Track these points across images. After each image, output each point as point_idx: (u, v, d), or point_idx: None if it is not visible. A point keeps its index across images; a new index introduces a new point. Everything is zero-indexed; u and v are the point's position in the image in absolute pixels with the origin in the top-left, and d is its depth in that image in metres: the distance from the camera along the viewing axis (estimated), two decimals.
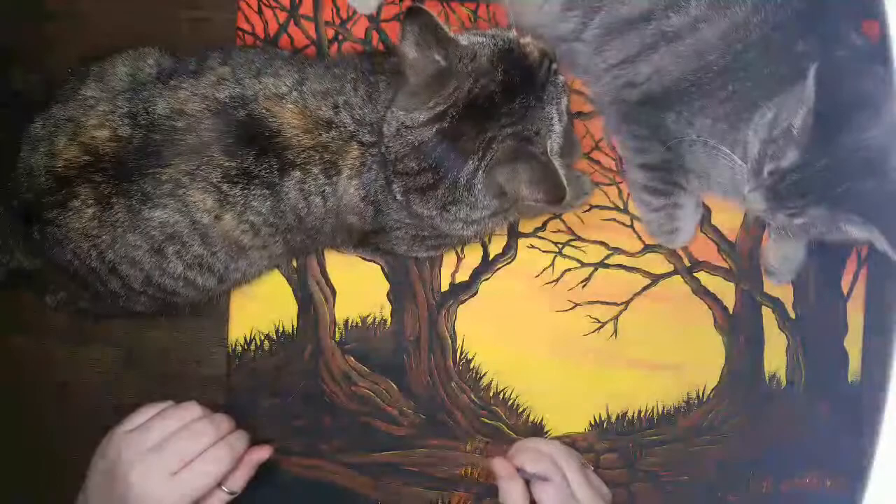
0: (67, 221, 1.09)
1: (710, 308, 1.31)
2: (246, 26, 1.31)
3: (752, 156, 1.08)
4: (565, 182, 1.02)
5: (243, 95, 1.08)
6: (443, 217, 1.09)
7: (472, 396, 1.32)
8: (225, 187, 1.07)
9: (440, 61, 1.03)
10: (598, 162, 1.31)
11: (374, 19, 1.31)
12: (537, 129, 1.04)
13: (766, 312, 1.31)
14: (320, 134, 1.08)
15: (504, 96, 1.03)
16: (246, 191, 1.08)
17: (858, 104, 1.03)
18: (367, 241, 1.19)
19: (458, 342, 1.32)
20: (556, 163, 1.04)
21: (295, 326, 1.32)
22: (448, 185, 1.05)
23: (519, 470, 1.20)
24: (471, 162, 1.04)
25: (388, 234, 1.16)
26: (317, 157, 1.08)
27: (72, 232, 1.09)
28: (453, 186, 1.05)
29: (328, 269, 1.31)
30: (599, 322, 1.31)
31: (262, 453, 1.21)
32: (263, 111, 1.08)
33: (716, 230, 1.31)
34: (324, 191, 1.09)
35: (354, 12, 1.30)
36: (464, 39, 1.04)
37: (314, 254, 1.29)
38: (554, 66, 1.08)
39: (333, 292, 1.31)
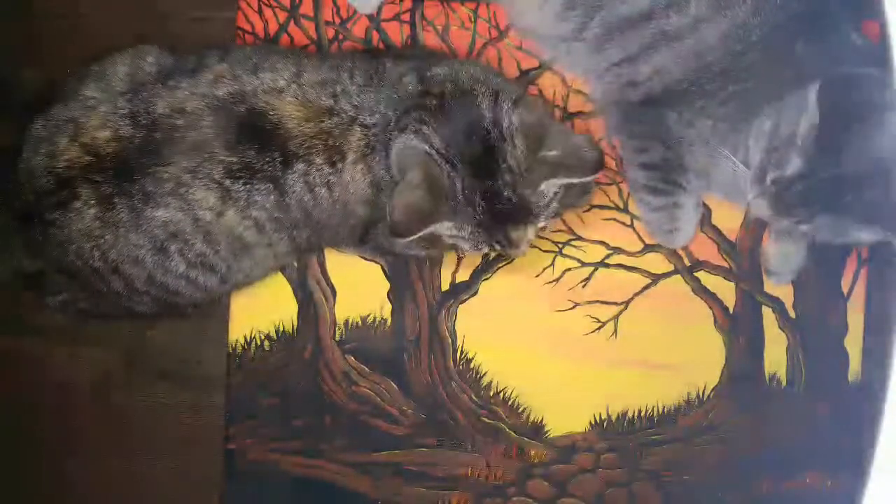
0: (69, 222, 1.09)
1: (711, 308, 1.31)
2: (246, 26, 1.31)
3: (755, 163, 1.08)
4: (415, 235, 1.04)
5: (242, 91, 1.09)
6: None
7: (473, 396, 1.32)
8: (227, 183, 1.08)
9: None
10: None
11: (374, 19, 1.31)
12: (456, 214, 1.06)
13: (767, 312, 1.31)
14: (322, 121, 1.09)
15: (490, 194, 1.05)
16: (248, 185, 1.08)
17: (862, 114, 1.03)
18: (369, 235, 1.19)
19: (458, 342, 1.32)
20: (430, 227, 1.05)
21: (295, 326, 1.32)
22: (422, 113, 1.07)
23: None
24: (438, 140, 1.05)
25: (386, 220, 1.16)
26: (320, 146, 1.08)
27: (74, 233, 1.09)
28: (419, 120, 1.06)
29: (328, 269, 1.31)
30: (599, 322, 1.31)
31: None
32: (263, 105, 1.08)
33: (716, 230, 1.31)
34: (329, 181, 1.10)
35: (354, 12, 1.30)
36: (546, 187, 1.06)
37: (316, 253, 1.29)
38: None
39: (333, 292, 1.31)
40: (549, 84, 1.30)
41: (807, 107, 1.02)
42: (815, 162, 1.02)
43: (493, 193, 1.05)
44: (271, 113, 1.08)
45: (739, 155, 1.11)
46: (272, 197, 1.09)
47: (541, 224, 1.10)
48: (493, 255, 1.30)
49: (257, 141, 1.08)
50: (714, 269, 1.31)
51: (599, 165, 1.04)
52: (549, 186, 1.06)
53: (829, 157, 1.01)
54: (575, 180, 1.06)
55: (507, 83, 1.12)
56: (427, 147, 1.06)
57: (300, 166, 1.08)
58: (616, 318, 1.31)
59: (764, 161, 1.06)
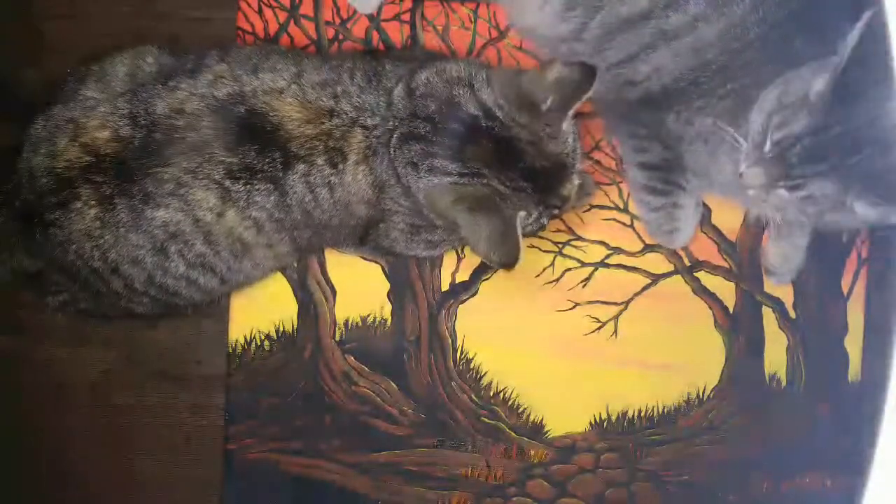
0: (70, 222, 1.09)
1: (711, 308, 1.31)
2: (246, 26, 1.31)
3: (755, 130, 1.07)
4: (522, 251, 1.04)
5: (242, 92, 1.09)
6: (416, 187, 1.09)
7: (473, 396, 1.32)
8: (227, 183, 1.08)
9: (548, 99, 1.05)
10: (598, 162, 1.31)
11: (374, 19, 1.31)
12: (517, 205, 1.06)
13: (767, 312, 1.31)
14: (322, 123, 1.09)
15: (526, 173, 1.05)
16: (249, 186, 1.08)
17: (878, 78, 1.03)
18: (369, 235, 1.19)
19: (458, 342, 1.32)
20: (519, 231, 1.06)
21: (295, 326, 1.32)
22: (423, 146, 1.06)
23: None
24: (453, 164, 1.05)
25: (388, 221, 1.16)
26: (321, 147, 1.08)
27: (74, 233, 1.09)
28: (425, 154, 1.06)
29: (328, 269, 1.31)
30: (599, 322, 1.31)
31: None
32: (263, 106, 1.08)
33: (716, 230, 1.31)
34: (330, 181, 1.10)
35: (354, 12, 1.31)
36: (567, 126, 1.07)
37: (316, 253, 1.30)
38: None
39: (333, 292, 1.31)
40: None
41: (826, 68, 1.01)
42: (826, 117, 1.00)
43: (529, 170, 1.05)
44: (271, 114, 1.08)
45: (741, 132, 1.10)
46: (273, 197, 1.09)
47: (579, 167, 1.10)
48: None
49: (257, 142, 1.08)
50: (714, 269, 1.31)
51: (592, 72, 1.04)
52: (567, 126, 1.07)
53: (840, 113, 1.00)
54: (584, 97, 1.05)
55: (471, 64, 1.12)
56: (448, 178, 1.06)
57: (301, 167, 1.08)
58: (616, 318, 1.31)
59: (765, 124, 1.05)
